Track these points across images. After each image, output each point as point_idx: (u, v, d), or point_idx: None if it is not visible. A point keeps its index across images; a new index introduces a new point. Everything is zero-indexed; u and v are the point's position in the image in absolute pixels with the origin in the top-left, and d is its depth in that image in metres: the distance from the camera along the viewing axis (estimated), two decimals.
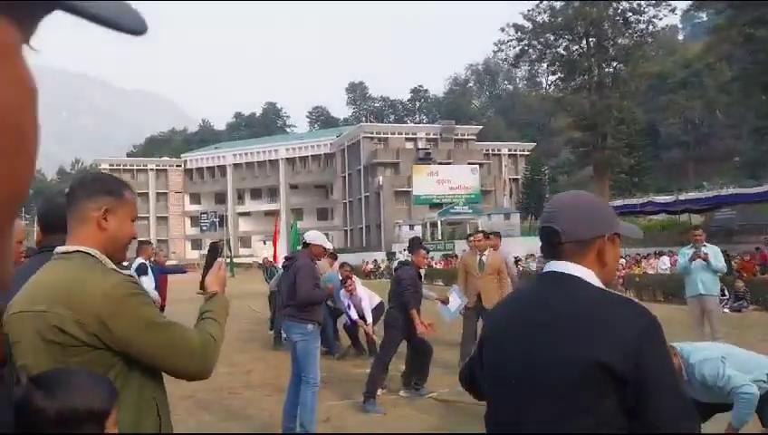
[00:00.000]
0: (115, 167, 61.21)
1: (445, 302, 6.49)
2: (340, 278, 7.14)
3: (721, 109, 53.23)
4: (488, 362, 1.24)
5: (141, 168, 65.83)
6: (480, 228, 17.02)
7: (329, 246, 4.81)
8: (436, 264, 26.22)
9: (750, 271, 14.43)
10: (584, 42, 43.04)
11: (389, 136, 52.58)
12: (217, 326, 1.47)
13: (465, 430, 4.41)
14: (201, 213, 64.49)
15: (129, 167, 64.50)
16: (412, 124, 71.35)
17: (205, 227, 63.02)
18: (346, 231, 55.20)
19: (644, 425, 1.03)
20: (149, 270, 6.74)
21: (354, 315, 7.43)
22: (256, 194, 64.52)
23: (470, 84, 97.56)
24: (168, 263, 12.59)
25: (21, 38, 0.31)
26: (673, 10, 42.85)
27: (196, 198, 67.26)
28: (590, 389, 1.04)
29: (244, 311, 12.68)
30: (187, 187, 66.88)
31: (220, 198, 65.07)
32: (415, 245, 5.75)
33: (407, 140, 53.00)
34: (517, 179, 54.60)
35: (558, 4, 43.00)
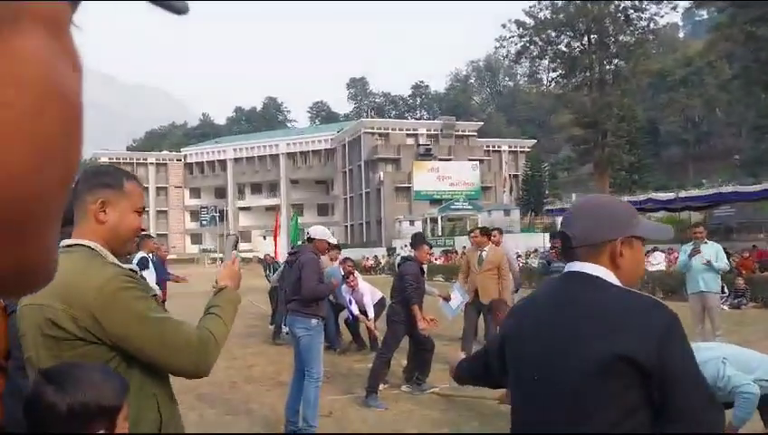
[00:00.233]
0: (114, 160, 61.03)
1: (447, 299, 6.51)
2: (343, 274, 7.14)
3: (721, 107, 53.21)
4: (511, 361, 1.26)
5: (141, 162, 65.74)
6: (480, 225, 17.06)
7: (333, 241, 4.83)
8: (436, 260, 26.25)
9: (749, 268, 14.48)
10: (585, 39, 42.97)
11: (390, 132, 52.52)
12: (219, 323, 1.42)
13: (466, 427, 4.43)
14: (201, 207, 64.43)
15: (128, 160, 64.37)
16: (413, 120, 71.32)
17: (205, 222, 63.00)
18: (346, 227, 55.21)
19: (670, 417, 1.05)
20: (151, 264, 6.74)
21: (356, 311, 7.45)
22: (257, 189, 64.48)
23: (471, 80, 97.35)
24: (167, 258, 12.58)
25: (71, 15, 0.31)
26: (674, 8, 42.75)
27: (196, 193, 67.20)
28: (614, 383, 1.06)
29: (246, 306, 12.67)
30: (187, 181, 66.82)
31: (220, 193, 65.01)
32: (418, 240, 5.76)
33: (407, 135, 52.96)
34: (517, 176, 54.60)
35: (560, 3, 42.89)
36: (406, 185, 47.43)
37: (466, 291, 6.63)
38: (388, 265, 27.48)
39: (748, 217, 25.83)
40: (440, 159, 49.23)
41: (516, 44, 46.42)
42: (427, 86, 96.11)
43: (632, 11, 42.21)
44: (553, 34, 44.31)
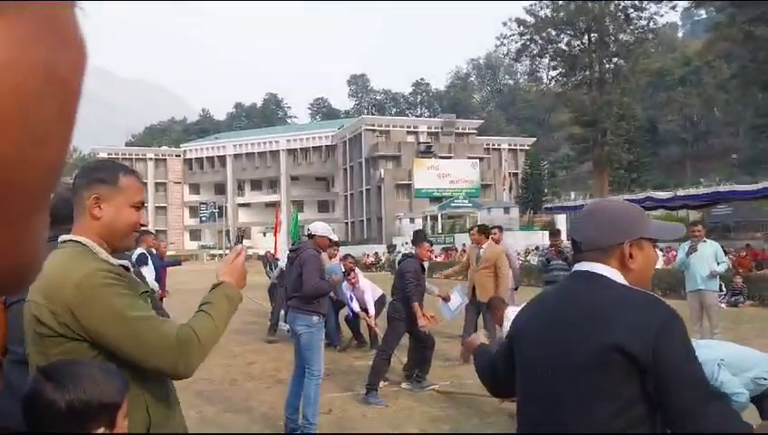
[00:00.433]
0: (113, 156, 60.91)
1: (446, 299, 6.52)
2: (343, 270, 7.15)
3: (719, 106, 53.26)
4: (520, 359, 1.28)
5: (140, 157, 65.55)
6: (479, 222, 17.05)
7: (335, 238, 4.82)
8: (436, 257, 26.28)
9: (747, 267, 14.55)
10: (586, 37, 42.94)
11: (391, 129, 52.48)
12: (206, 321, 1.34)
13: (466, 424, 4.45)
14: (200, 203, 64.34)
15: (127, 156, 64.21)
16: (413, 117, 71.22)
17: (204, 218, 62.92)
18: (347, 223, 55.19)
19: (668, 416, 1.06)
20: (150, 260, 6.73)
21: (356, 308, 7.45)
22: (256, 185, 64.40)
23: (471, 78, 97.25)
24: (166, 254, 12.55)
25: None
26: (673, 7, 42.75)
27: (195, 189, 67.10)
28: (609, 372, 1.08)
29: (245, 302, 12.64)
30: (187, 177, 66.69)
31: (220, 189, 64.92)
32: (419, 237, 5.76)
33: (408, 133, 52.91)
34: (517, 174, 54.61)
35: (560, 2, 42.84)
36: (406, 182, 47.43)
37: (465, 293, 6.65)
38: (388, 262, 27.47)
39: (745, 215, 25.92)
40: (440, 157, 49.23)
41: (517, 43, 46.39)
42: (428, 84, 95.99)
43: (632, 10, 42.20)
44: (554, 33, 44.28)
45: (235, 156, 64.04)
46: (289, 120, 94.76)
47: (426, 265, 5.80)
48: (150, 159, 65.95)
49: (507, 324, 4.06)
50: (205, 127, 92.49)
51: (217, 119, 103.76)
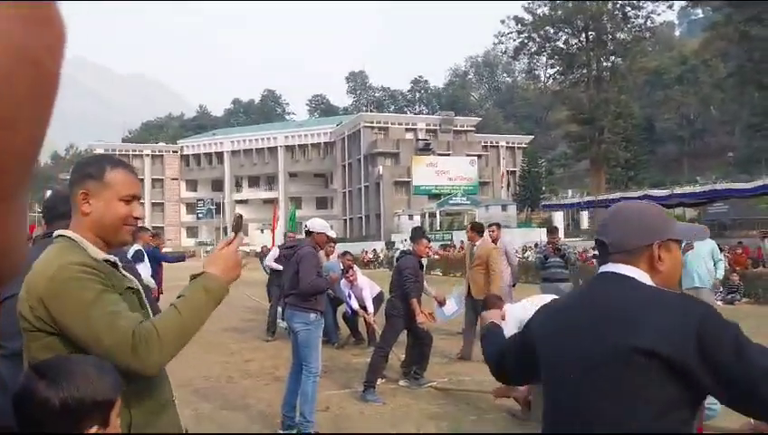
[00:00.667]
0: (110, 152, 60.76)
1: (442, 303, 6.52)
2: (342, 268, 7.13)
3: (716, 105, 53.45)
4: (544, 361, 1.26)
5: (137, 153, 65.33)
6: (477, 219, 17.04)
7: (332, 234, 4.80)
8: (434, 254, 26.30)
9: (742, 265, 14.62)
10: (583, 36, 42.98)
11: (389, 126, 52.42)
12: (173, 316, 1.26)
13: (464, 421, 4.44)
14: (197, 200, 64.15)
15: (124, 152, 64.00)
16: (412, 115, 71.13)
17: (201, 215, 62.76)
18: (345, 220, 55.17)
19: (743, 388, 1.01)
20: (146, 257, 6.69)
21: (355, 305, 7.43)
22: (254, 182, 64.26)
23: (469, 76, 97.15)
24: (164, 250, 12.48)
25: None
26: (670, 6, 42.88)
27: (192, 185, 66.92)
28: (640, 377, 1.05)
29: (242, 299, 12.66)
30: (184, 173, 66.51)
31: (217, 186, 64.75)
32: (417, 234, 5.75)
33: (406, 130, 52.88)
34: (515, 172, 54.67)
35: (558, 0, 42.85)
36: (405, 179, 47.41)
37: (463, 301, 6.65)
38: (386, 259, 27.48)
39: (741, 213, 26.06)
40: (439, 154, 49.22)
41: (515, 41, 46.43)
42: (426, 81, 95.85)
43: (629, 9, 42.25)
44: (552, 31, 44.33)
45: (233, 152, 63.87)
46: (287, 117, 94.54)
47: (424, 262, 5.80)
48: (147, 155, 65.72)
49: (504, 323, 4.04)
50: (202, 123, 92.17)
51: (215, 115, 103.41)
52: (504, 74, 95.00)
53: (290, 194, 58.60)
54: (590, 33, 42.88)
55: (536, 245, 23.70)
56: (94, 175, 1.35)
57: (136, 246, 6.77)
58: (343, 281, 7.22)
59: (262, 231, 47.13)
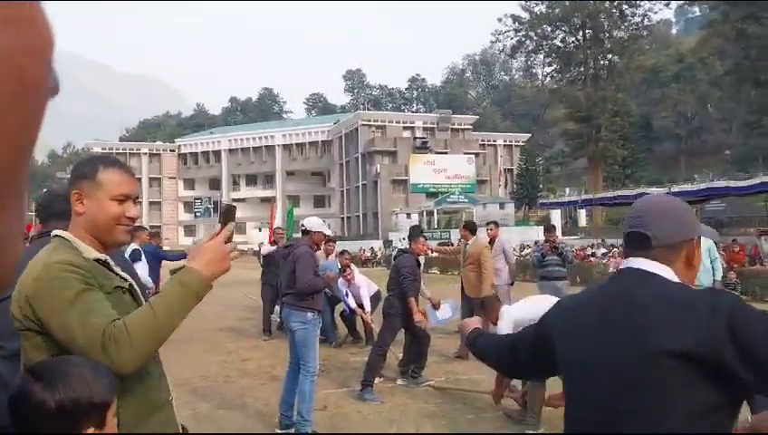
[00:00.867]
0: (107, 151, 60.56)
1: (436, 307, 6.52)
2: (339, 267, 7.12)
3: (713, 103, 53.55)
4: (564, 359, 1.23)
5: (134, 152, 65.17)
6: (475, 218, 17.06)
7: (329, 233, 4.79)
8: (433, 252, 26.28)
9: (740, 262, 14.66)
10: (580, 34, 43.04)
11: (387, 124, 52.37)
12: (146, 314, 1.22)
13: (461, 420, 4.45)
14: (195, 199, 64.05)
15: (121, 151, 63.83)
16: (409, 113, 71.10)
17: (198, 213, 62.67)
18: (343, 219, 55.15)
19: None
20: (144, 256, 6.68)
21: (352, 304, 7.42)
22: (252, 180, 64.15)
23: (467, 74, 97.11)
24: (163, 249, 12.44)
25: None
26: (667, 4, 42.88)
27: (189, 184, 66.78)
28: (667, 378, 1.02)
29: (240, 298, 12.65)
30: (181, 172, 66.35)
31: (215, 184, 64.65)
32: (415, 233, 5.75)
33: (404, 128, 52.83)
34: (512, 170, 54.72)
35: (555, 0, 42.88)
36: (402, 177, 47.40)
37: (457, 308, 6.67)
38: (384, 257, 27.48)
39: (738, 211, 26.12)
40: (436, 152, 49.22)
41: (512, 39, 46.45)
42: (424, 79, 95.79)
43: (626, 7, 42.31)
44: (549, 29, 44.36)
45: (231, 151, 63.74)
46: (285, 115, 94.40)
47: (422, 260, 5.80)
48: (144, 153, 65.54)
49: (501, 323, 4.04)
50: (200, 121, 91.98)
51: (212, 113, 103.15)
52: (502, 72, 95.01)
53: (287, 192, 58.54)
54: (587, 31, 42.94)
55: (536, 242, 23.74)
56: (87, 175, 1.36)
57: (133, 246, 6.76)
58: (341, 280, 7.20)
59: (260, 229, 47.05)
